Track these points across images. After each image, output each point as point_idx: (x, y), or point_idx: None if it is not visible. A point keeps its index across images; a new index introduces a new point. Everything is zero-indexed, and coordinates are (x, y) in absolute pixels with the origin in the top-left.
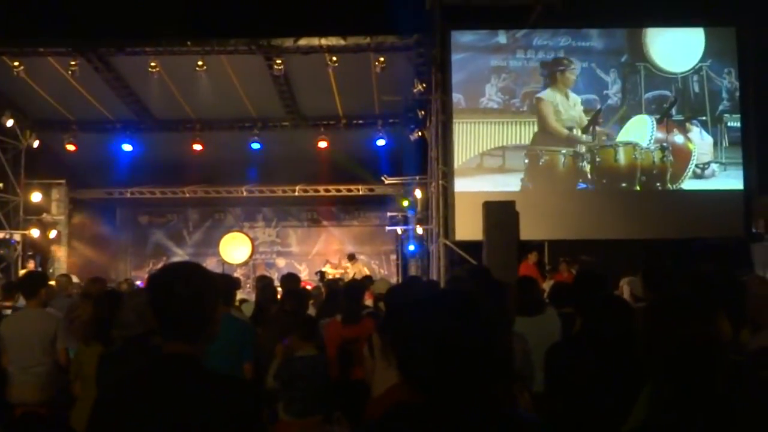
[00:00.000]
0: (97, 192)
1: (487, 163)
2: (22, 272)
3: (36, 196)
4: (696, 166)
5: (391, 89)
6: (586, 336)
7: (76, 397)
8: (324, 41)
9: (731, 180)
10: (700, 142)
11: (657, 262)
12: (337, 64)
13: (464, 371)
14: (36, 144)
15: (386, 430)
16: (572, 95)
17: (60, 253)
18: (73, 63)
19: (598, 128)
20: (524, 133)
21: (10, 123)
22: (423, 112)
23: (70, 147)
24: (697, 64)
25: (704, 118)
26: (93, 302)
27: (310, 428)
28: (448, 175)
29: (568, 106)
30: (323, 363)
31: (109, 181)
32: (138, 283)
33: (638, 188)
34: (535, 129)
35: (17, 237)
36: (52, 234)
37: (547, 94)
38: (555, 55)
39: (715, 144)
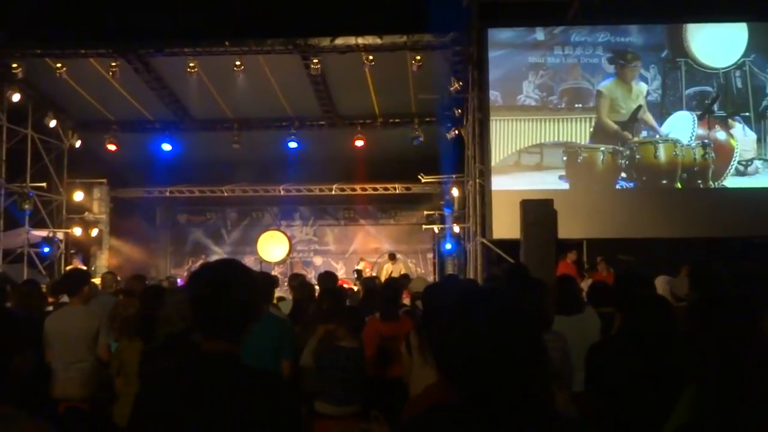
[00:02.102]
0: (137, 191)
1: (524, 161)
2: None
3: (78, 195)
4: (738, 163)
5: (428, 87)
6: (628, 335)
7: (118, 393)
8: (360, 40)
9: None
10: (742, 138)
11: (704, 261)
12: (373, 63)
13: (501, 370)
14: (78, 144)
15: (424, 428)
16: (636, 87)
17: (101, 251)
18: (113, 64)
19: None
20: (562, 129)
21: (53, 123)
22: (460, 110)
23: (111, 147)
24: (739, 59)
25: (747, 114)
26: (139, 298)
27: (348, 425)
28: (485, 173)
29: (629, 99)
30: (363, 357)
31: (149, 180)
32: (179, 281)
33: (679, 186)
34: (584, 125)
35: (60, 235)
36: (94, 232)
37: (607, 87)
38: (593, 51)
39: (758, 140)
